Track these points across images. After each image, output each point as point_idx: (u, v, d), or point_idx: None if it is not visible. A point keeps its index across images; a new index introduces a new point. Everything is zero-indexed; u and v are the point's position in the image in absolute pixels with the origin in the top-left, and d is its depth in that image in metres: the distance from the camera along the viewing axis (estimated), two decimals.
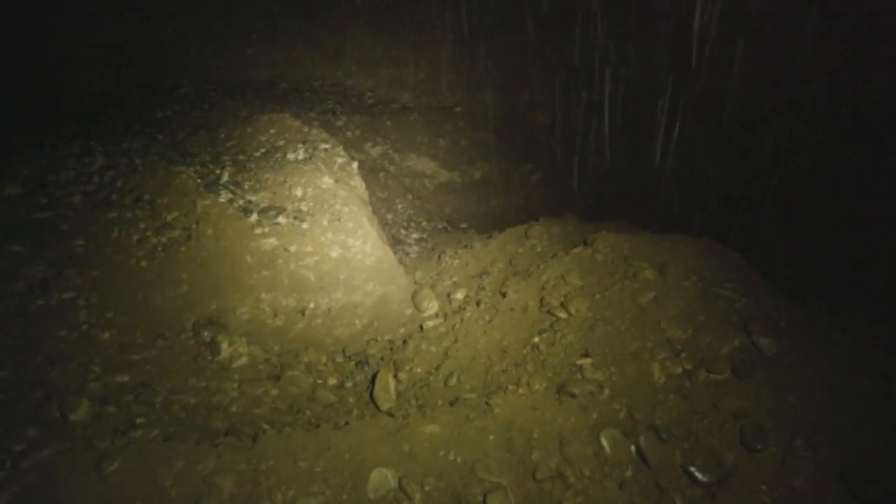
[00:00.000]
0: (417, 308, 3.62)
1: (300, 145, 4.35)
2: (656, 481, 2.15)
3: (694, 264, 2.87)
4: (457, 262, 4.16)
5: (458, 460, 2.21)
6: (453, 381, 2.84)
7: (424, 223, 5.60)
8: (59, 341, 2.78)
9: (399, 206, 5.72)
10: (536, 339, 2.84)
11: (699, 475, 2.13)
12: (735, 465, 2.15)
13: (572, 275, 3.07)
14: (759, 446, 2.16)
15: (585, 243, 3.27)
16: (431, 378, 2.94)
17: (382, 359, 3.27)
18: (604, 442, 2.24)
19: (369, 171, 5.78)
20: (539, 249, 3.76)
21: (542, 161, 6.63)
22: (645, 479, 2.17)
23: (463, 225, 5.84)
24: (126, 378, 2.71)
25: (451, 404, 2.59)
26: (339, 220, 3.74)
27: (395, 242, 4.99)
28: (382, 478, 2.15)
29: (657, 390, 2.39)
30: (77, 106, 5.55)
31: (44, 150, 3.98)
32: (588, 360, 2.57)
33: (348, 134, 6.22)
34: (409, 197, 5.94)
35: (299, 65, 7.30)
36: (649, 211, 5.17)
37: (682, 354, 2.49)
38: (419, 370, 3.06)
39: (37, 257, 3.11)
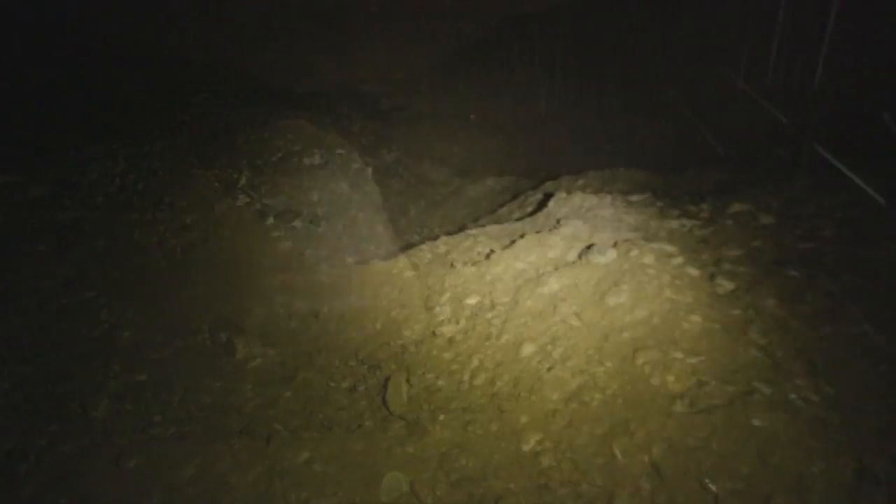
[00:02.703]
0: (430, 313, 3.63)
1: (316, 150, 4.41)
2: (671, 493, 2.13)
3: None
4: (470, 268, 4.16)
5: (470, 466, 2.22)
6: (465, 386, 2.84)
7: (437, 229, 5.63)
8: (81, 339, 2.85)
9: (412, 212, 5.76)
10: (550, 346, 2.84)
11: (713, 488, 2.10)
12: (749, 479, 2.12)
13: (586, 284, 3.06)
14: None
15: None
16: (443, 383, 2.94)
17: (395, 363, 3.29)
18: (616, 451, 2.23)
19: (383, 177, 5.83)
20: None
21: (555, 169, 6.64)
22: (659, 491, 2.15)
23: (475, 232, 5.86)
24: (144, 377, 2.77)
25: (464, 409, 2.59)
26: (353, 224, 3.78)
27: (408, 247, 5.02)
28: (395, 482, 2.16)
29: (671, 399, 2.37)
30: (100, 109, 5.68)
31: (69, 153, 4.08)
32: (602, 368, 2.56)
33: (363, 140, 6.29)
34: (423, 203, 5.98)
35: (316, 71, 7.41)
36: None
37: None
38: (431, 375, 3.07)
39: (61, 257, 3.19)
